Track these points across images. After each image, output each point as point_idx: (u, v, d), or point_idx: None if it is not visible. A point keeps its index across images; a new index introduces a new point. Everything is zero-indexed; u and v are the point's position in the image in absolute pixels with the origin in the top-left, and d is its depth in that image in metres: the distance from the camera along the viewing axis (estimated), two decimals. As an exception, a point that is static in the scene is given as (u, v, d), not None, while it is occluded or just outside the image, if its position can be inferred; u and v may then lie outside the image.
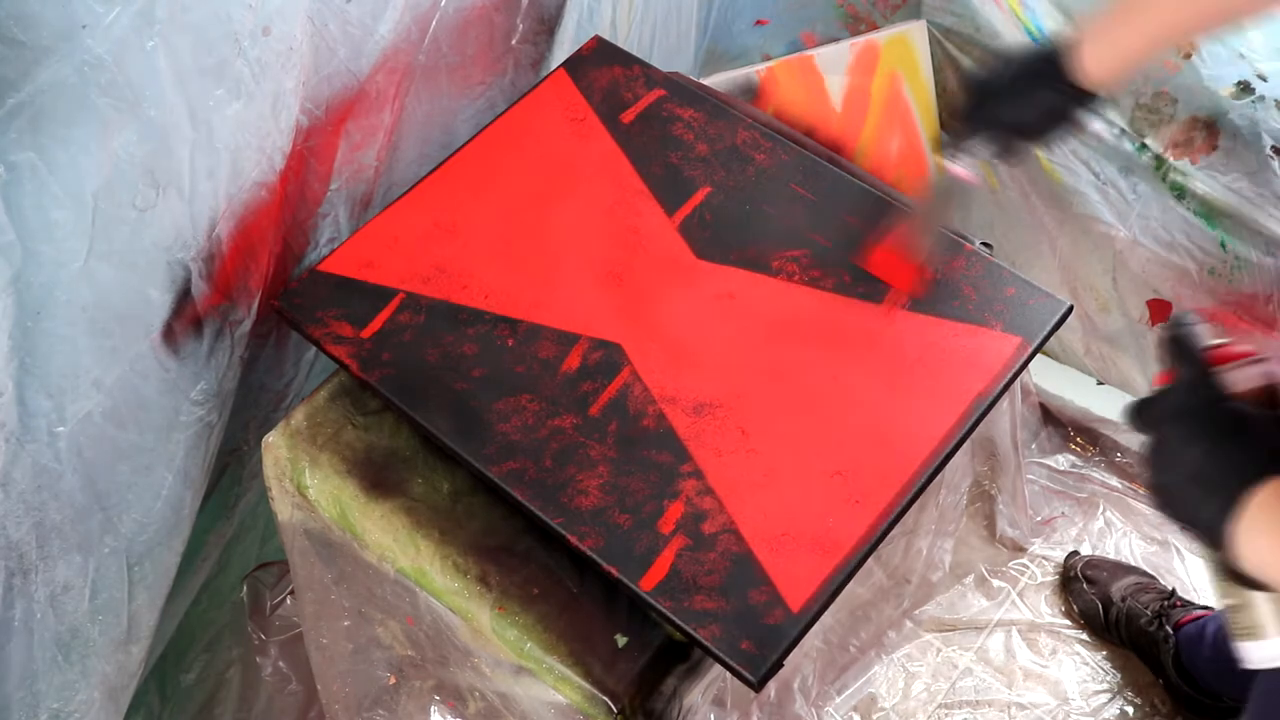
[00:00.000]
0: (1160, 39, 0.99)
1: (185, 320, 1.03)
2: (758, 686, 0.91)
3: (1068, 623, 1.57)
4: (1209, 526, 0.69)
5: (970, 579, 1.60)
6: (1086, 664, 1.54)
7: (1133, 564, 1.59)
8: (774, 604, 0.93)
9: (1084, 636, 1.56)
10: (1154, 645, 1.47)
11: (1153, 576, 1.56)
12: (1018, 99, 1.02)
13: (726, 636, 0.92)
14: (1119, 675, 1.53)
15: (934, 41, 1.65)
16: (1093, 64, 0.98)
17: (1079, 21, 1.02)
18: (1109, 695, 1.51)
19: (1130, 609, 1.49)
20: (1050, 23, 1.49)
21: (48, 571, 0.99)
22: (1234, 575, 0.70)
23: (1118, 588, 1.52)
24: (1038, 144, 1.08)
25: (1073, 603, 1.57)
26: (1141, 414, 0.74)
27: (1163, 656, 1.45)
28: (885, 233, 1.12)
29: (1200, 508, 0.69)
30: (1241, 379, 0.73)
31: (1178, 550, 1.63)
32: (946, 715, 1.50)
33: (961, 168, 1.07)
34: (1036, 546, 1.63)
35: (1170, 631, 1.44)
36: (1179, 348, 0.73)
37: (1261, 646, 0.75)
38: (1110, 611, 1.52)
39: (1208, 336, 0.74)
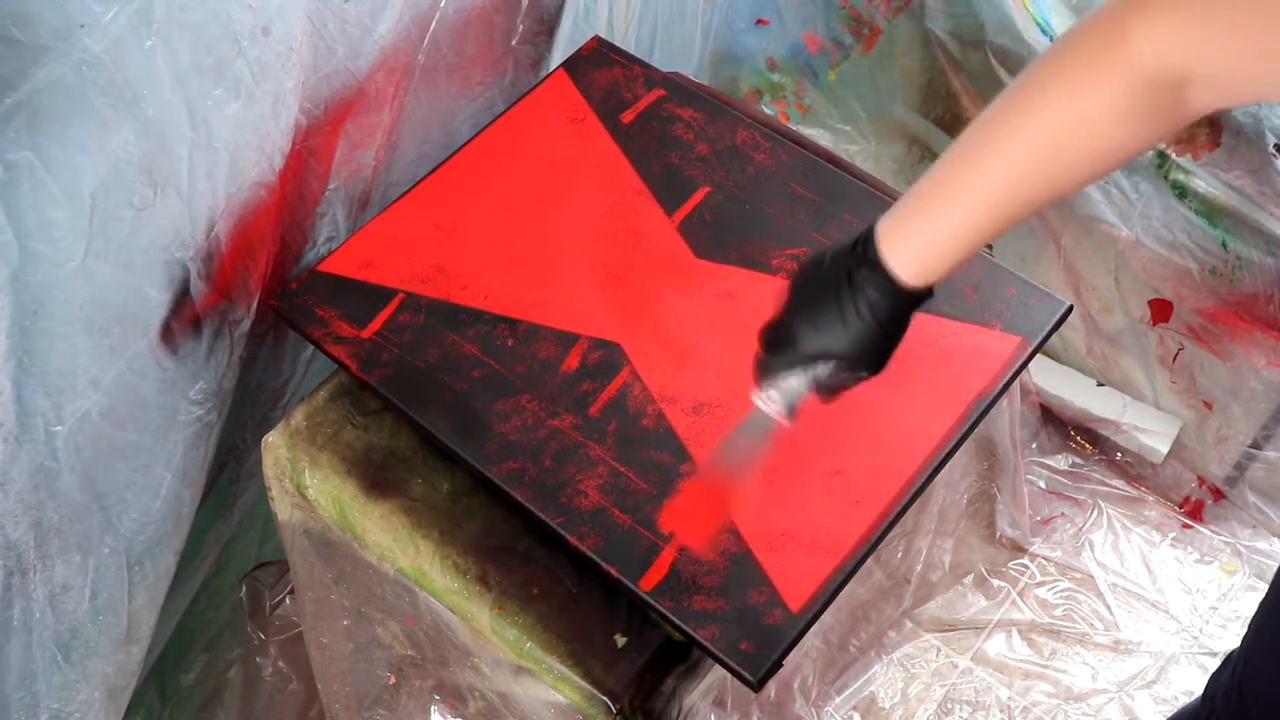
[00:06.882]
0: (967, 235, 0.76)
1: (184, 319, 1.03)
2: (757, 686, 0.91)
3: (1068, 623, 1.57)
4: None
5: (970, 579, 1.60)
6: (1086, 664, 1.54)
7: None
8: (773, 604, 0.93)
9: (1084, 636, 1.55)
10: None
11: None
12: (825, 317, 0.80)
13: (726, 636, 0.92)
14: (1119, 675, 1.53)
15: (934, 43, 1.64)
16: (898, 266, 0.77)
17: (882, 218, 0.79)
18: (1109, 695, 1.51)
19: None
20: (1057, 17, 1.49)
21: (46, 571, 0.99)
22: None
23: None
24: (871, 366, 0.82)
25: None
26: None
27: None
28: (683, 487, 0.97)
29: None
30: None
31: (1179, 550, 1.63)
32: (946, 715, 1.50)
33: (774, 405, 0.86)
34: (1036, 546, 1.63)
35: None
36: None
37: None
38: None
39: None
